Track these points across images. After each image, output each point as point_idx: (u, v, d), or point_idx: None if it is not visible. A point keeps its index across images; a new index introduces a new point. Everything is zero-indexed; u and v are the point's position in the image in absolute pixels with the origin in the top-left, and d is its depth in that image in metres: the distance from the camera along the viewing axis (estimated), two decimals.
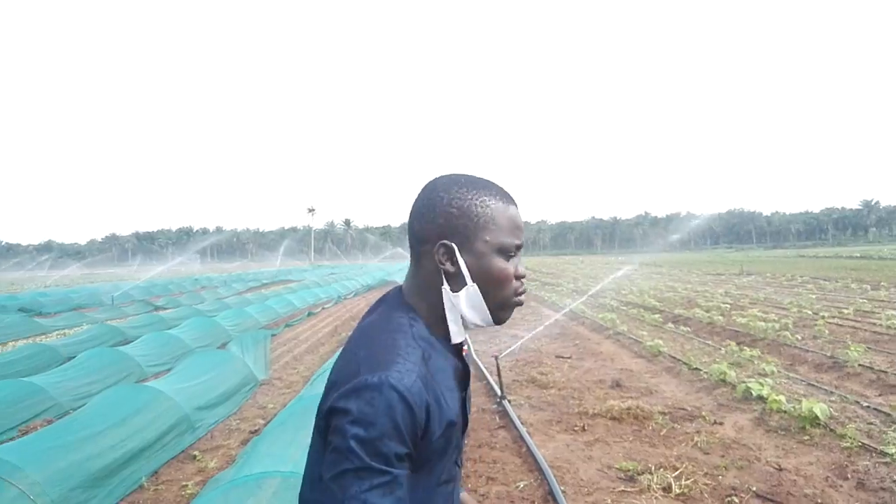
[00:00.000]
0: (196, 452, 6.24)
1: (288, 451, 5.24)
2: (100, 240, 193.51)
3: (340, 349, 1.42)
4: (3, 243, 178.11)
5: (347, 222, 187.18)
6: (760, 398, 7.01)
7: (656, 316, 13.94)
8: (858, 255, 59.08)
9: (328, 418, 1.09)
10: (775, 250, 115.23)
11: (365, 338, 1.19)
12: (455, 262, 1.21)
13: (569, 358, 10.47)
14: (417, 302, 1.26)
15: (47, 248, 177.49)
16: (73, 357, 10.05)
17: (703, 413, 6.86)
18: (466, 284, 1.21)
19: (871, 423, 6.19)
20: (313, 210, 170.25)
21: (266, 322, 17.41)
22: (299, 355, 12.06)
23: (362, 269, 56.08)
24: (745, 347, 9.95)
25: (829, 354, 9.46)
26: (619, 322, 13.35)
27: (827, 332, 11.30)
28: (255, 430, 7.01)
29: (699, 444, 5.86)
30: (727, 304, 16.30)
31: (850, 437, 5.65)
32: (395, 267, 57.64)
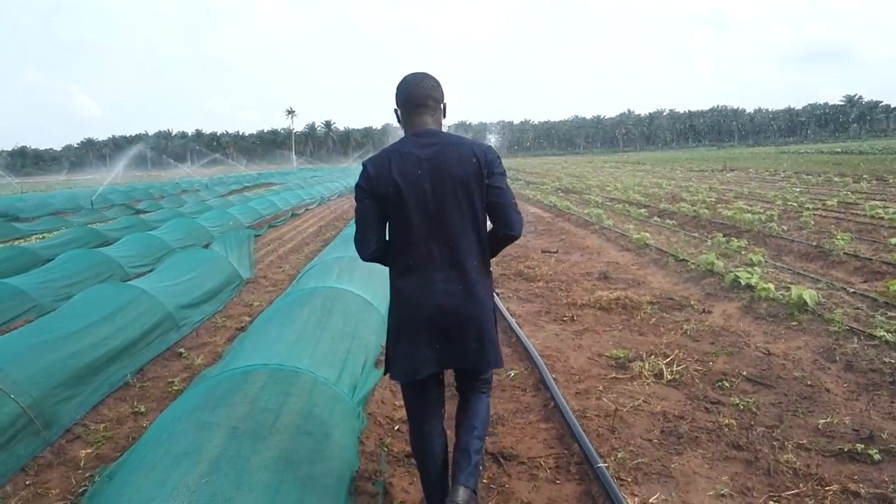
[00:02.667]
0: (182, 350, 6.16)
1: (275, 346, 5.14)
2: (76, 145, 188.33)
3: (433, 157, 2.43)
4: None
5: (328, 124, 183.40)
6: (749, 287, 7.00)
7: (642, 210, 13.88)
8: (840, 150, 59.15)
9: (490, 166, 2.43)
10: (756, 147, 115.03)
11: (459, 139, 2.49)
12: (445, 113, 2.62)
13: (555, 252, 10.42)
14: (437, 128, 2.55)
15: (21, 154, 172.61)
16: (52, 259, 9.83)
17: (692, 302, 6.85)
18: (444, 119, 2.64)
19: (858, 308, 6.21)
20: (293, 112, 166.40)
21: (249, 223, 17.17)
22: (284, 254, 11.92)
23: (345, 172, 55.37)
24: (733, 238, 9.93)
25: (814, 244, 9.47)
26: (604, 217, 13.28)
27: (812, 222, 11.31)
28: (242, 327, 6.94)
29: (688, 332, 5.86)
30: (712, 198, 16.28)
31: (838, 322, 5.66)
32: None
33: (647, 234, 10.31)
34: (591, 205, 16.86)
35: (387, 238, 2.54)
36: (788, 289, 6.56)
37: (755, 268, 7.98)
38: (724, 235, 10.53)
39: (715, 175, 29.58)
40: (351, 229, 11.94)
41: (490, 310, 2.53)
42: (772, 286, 6.66)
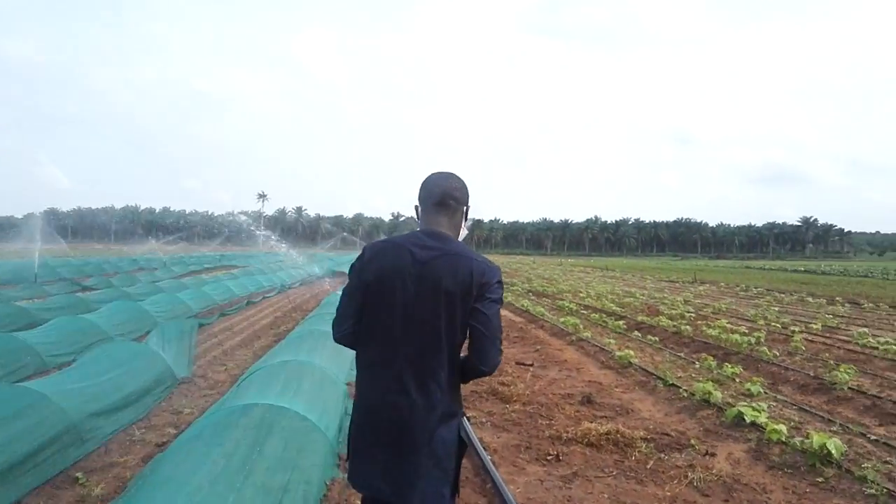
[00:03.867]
0: (80, 473, 4.97)
1: (194, 477, 4.09)
2: (38, 214, 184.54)
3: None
4: None
5: (299, 210, 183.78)
6: (755, 425, 6.12)
7: (620, 322, 13.10)
8: (803, 269, 60.33)
9: (483, 289, 2.20)
10: (719, 260, 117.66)
11: (465, 252, 2.27)
12: (466, 216, 2.45)
13: (531, 365, 9.48)
14: (452, 233, 2.36)
15: None
16: None
17: (692, 441, 5.93)
18: (466, 226, 2.46)
19: (888, 463, 5.34)
20: (265, 196, 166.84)
21: (200, 309, 15.96)
22: (230, 349, 10.76)
23: (313, 258, 54.36)
24: (724, 363, 9.14)
25: (812, 374, 8.70)
26: (581, 328, 12.45)
27: (803, 348, 10.61)
28: (163, 443, 5.79)
29: (694, 483, 4.91)
30: (691, 313, 15.62)
31: (873, 482, 4.77)
32: (345, 258, 56.01)
33: (631, 352, 9.47)
34: (565, 311, 16.09)
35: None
36: (799, 429, 5.72)
37: (756, 401, 7.14)
38: (712, 357, 9.75)
39: (686, 287, 29.31)
40: (306, 326, 10.93)
41: (450, 433, 2.23)
42: (783, 428, 5.78)
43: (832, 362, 9.38)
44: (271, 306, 18.03)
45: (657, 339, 11.47)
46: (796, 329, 12.79)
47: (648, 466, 5.28)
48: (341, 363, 8.22)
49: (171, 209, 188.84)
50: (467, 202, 2.42)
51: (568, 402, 7.33)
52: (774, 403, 7.28)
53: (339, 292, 2.54)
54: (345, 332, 2.36)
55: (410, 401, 2.18)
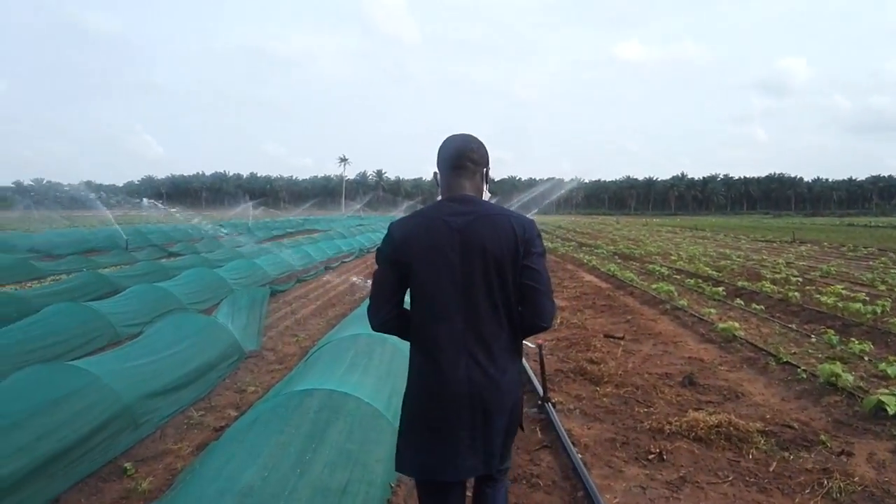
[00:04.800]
0: (129, 464, 4.58)
1: (243, 474, 3.64)
2: (137, 181, 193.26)
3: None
4: (44, 181, 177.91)
5: (379, 173, 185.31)
6: None
7: (718, 289, 11.95)
8: None
9: (529, 244, 2.17)
10: (815, 217, 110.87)
11: (498, 210, 2.24)
12: (486, 179, 2.37)
13: (621, 339, 8.64)
14: (476, 194, 2.30)
15: (87, 187, 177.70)
16: (39, 311, 8.51)
17: (821, 436, 5.01)
18: (487, 188, 2.37)
19: None
20: (346, 160, 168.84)
21: (276, 275, 15.83)
22: (304, 318, 10.42)
23: (393, 221, 54.46)
24: (846, 336, 8.02)
25: None
26: (676, 295, 11.42)
27: None
28: (221, 427, 5.38)
29: (833, 494, 4.04)
30: (797, 277, 14.19)
31: None
32: None
33: (735, 324, 8.46)
34: (655, 276, 15.01)
35: (403, 308, 2.30)
36: None
37: (893, 385, 6.10)
38: (828, 329, 8.63)
39: (785, 248, 27.29)
40: None
41: (520, 398, 2.30)
42: None
43: None
44: (349, 271, 17.77)
45: (762, 307, 10.32)
46: None
47: (771, 469, 4.43)
48: None
49: (258, 174, 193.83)
50: (487, 163, 2.36)
51: (667, 384, 6.49)
52: None
53: None
54: (385, 318, 2.26)
55: (482, 370, 2.14)
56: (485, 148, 2.36)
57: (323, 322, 10.11)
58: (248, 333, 8.45)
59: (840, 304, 9.99)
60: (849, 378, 6.06)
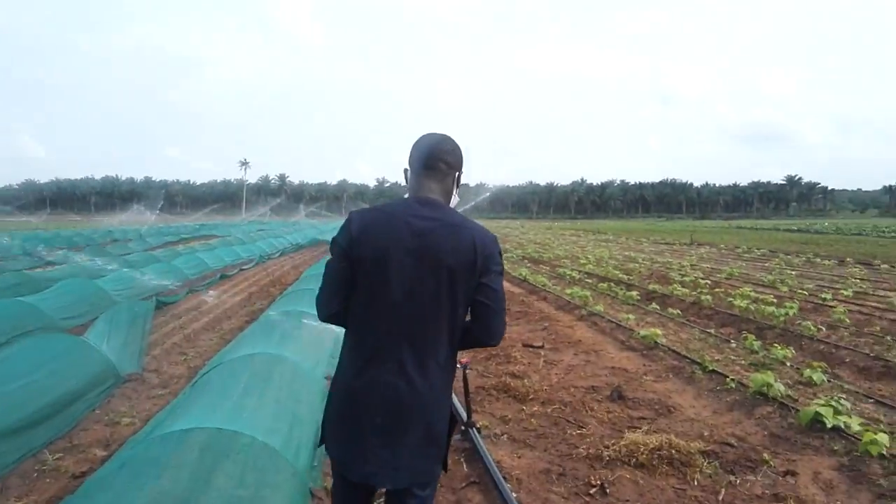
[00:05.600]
0: None
1: None
2: (16, 185, 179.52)
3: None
4: None
5: (282, 177, 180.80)
6: (838, 431, 4.88)
7: (632, 293, 11.79)
8: (796, 228, 59.41)
9: (488, 262, 2.06)
10: (704, 220, 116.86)
11: (462, 221, 2.11)
12: (458, 183, 2.26)
13: (541, 347, 8.20)
14: (444, 198, 2.20)
15: None
16: None
17: (763, 454, 4.66)
18: (456, 193, 2.27)
19: None
20: (247, 163, 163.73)
21: (168, 285, 14.51)
22: (195, 333, 9.38)
23: (294, 226, 52.76)
24: (764, 340, 7.89)
25: (870, 353, 7.49)
26: (591, 300, 11.14)
27: (847, 320, 9.37)
28: (83, 474, 4.45)
29: None
30: (705, 279, 14.31)
31: None
32: (329, 226, 54.50)
33: (657, 331, 8.18)
34: (567, 280, 14.80)
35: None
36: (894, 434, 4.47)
37: (819, 392, 5.91)
38: (743, 332, 8.53)
39: (685, 250, 28.10)
40: (282, 305, 9.56)
41: (443, 418, 2.15)
42: (883, 438, 4.52)
43: (888, 338, 8.18)
44: (247, 280, 16.61)
45: (678, 311, 10.18)
46: (827, 296, 11.55)
47: (721, 498, 4.00)
48: (319, 352, 6.94)
49: (153, 179, 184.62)
50: (460, 167, 2.27)
51: (595, 399, 6.03)
52: (844, 396, 6.01)
53: (320, 264, 1.57)
54: (334, 311, 2.16)
55: (407, 379, 2.04)
56: (460, 151, 2.26)
57: (216, 337, 9.13)
58: (126, 353, 7.40)
59: (752, 307, 9.96)
60: (780, 388, 5.80)
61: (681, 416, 5.62)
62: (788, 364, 7.09)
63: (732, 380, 6.32)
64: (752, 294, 11.30)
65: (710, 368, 6.82)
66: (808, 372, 6.46)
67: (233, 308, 11.89)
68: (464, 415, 4.99)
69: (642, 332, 8.22)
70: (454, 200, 2.27)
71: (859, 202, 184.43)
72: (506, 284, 14.82)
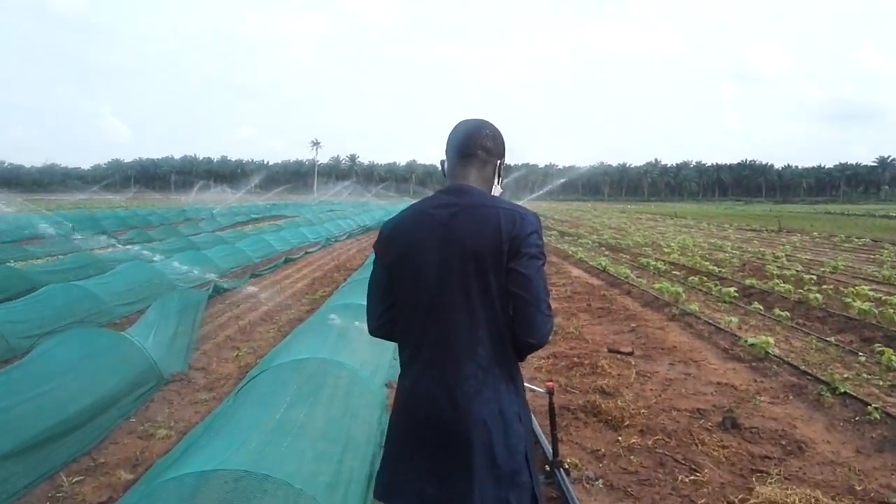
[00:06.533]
0: None
1: None
2: (104, 164, 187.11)
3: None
4: (5, 164, 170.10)
5: (353, 157, 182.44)
6: None
7: (730, 289, 10.52)
8: (894, 213, 55.29)
9: (517, 242, 1.77)
10: (785, 205, 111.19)
11: (490, 201, 1.88)
12: (500, 172, 2.01)
13: (630, 354, 7.19)
14: (483, 187, 1.94)
15: (49, 171, 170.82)
16: None
17: None
18: (499, 184, 2.01)
19: None
20: (318, 143, 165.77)
21: (229, 269, 14.13)
22: (251, 324, 8.79)
23: (363, 207, 52.64)
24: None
25: None
26: (683, 297, 9.97)
27: None
28: (104, 502, 3.80)
29: None
30: (808, 273, 12.78)
31: None
32: (397, 207, 54.11)
33: (768, 338, 7.03)
34: (651, 272, 13.59)
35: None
36: None
37: None
38: (863, 340, 7.29)
39: (774, 238, 26.17)
40: (342, 295, 8.86)
41: (510, 433, 1.78)
42: None
43: None
44: (311, 264, 16.12)
45: (786, 313, 8.92)
46: None
47: None
48: (381, 354, 6.20)
49: (229, 158, 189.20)
50: (502, 155, 2.02)
51: (703, 427, 5.02)
52: None
53: None
54: (378, 322, 2.00)
55: (446, 389, 1.78)
56: (502, 137, 2.03)
57: (273, 330, 8.51)
58: (173, 349, 6.81)
59: (875, 310, 8.61)
60: None
61: (816, 455, 4.54)
62: None
63: (875, 408, 5.18)
64: (871, 293, 9.87)
65: (842, 390, 5.67)
66: None
67: (295, 294, 11.32)
68: (549, 450, 4.08)
69: (750, 340, 7.08)
70: (496, 191, 2.02)
71: None
72: (583, 275, 13.78)
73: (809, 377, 6.15)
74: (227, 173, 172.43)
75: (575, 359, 6.83)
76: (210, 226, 28.74)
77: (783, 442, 4.75)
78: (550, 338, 1.95)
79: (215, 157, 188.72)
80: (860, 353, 6.99)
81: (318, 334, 6.33)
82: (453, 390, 1.78)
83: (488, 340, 1.81)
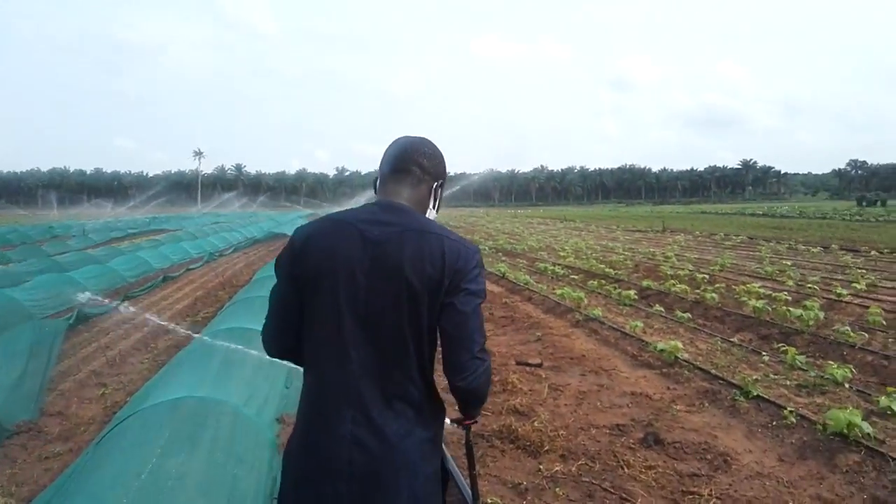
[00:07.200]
0: None
1: None
2: None
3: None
4: None
5: (238, 167, 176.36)
6: None
7: (629, 292, 10.50)
8: (761, 212, 59.41)
9: (458, 277, 1.59)
10: (664, 206, 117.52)
11: (431, 227, 1.66)
12: (437, 196, 1.82)
13: (539, 366, 6.79)
14: (416, 209, 1.73)
15: None
16: None
17: None
18: (434, 207, 1.82)
19: None
20: (201, 153, 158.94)
21: (99, 290, 12.77)
22: (120, 356, 7.78)
23: (251, 219, 50.57)
24: (808, 353, 6.67)
25: None
26: (585, 301, 9.82)
27: (883, 320, 8.22)
28: None
29: None
30: (698, 273, 13.07)
31: None
32: (287, 217, 52.54)
33: (677, 343, 6.89)
34: (549, 276, 13.50)
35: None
36: None
37: None
38: (760, 338, 7.33)
39: (661, 238, 27.14)
40: (226, 318, 8.04)
41: (430, 477, 1.65)
42: None
43: None
44: (194, 282, 14.93)
45: (686, 314, 8.91)
46: (842, 291, 10.40)
47: None
48: (270, 385, 5.53)
49: (104, 170, 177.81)
50: (439, 177, 1.82)
51: (626, 445, 4.70)
52: None
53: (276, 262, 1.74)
54: (284, 345, 1.76)
55: (375, 430, 1.58)
56: (442, 158, 1.84)
57: (148, 360, 7.57)
58: (19, 394, 5.79)
59: (767, 307, 8.76)
60: (865, 428, 4.53)
61: (742, 469, 4.31)
62: (846, 385, 5.86)
63: (791, 412, 5.05)
64: (761, 290, 10.11)
65: (755, 394, 5.55)
66: (883, 400, 5.20)
67: (174, 317, 10.28)
68: (468, 494, 3.58)
69: (659, 345, 6.92)
70: (431, 214, 1.83)
71: (810, 185, 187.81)
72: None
73: (721, 381, 6.03)
74: (101, 186, 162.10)
75: None
76: (80, 243, 26.44)
77: (708, 456, 4.51)
78: (490, 388, 1.70)
79: (88, 169, 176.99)
80: (763, 353, 6.99)
81: (198, 365, 5.58)
82: (382, 430, 1.58)
83: (420, 377, 1.66)
